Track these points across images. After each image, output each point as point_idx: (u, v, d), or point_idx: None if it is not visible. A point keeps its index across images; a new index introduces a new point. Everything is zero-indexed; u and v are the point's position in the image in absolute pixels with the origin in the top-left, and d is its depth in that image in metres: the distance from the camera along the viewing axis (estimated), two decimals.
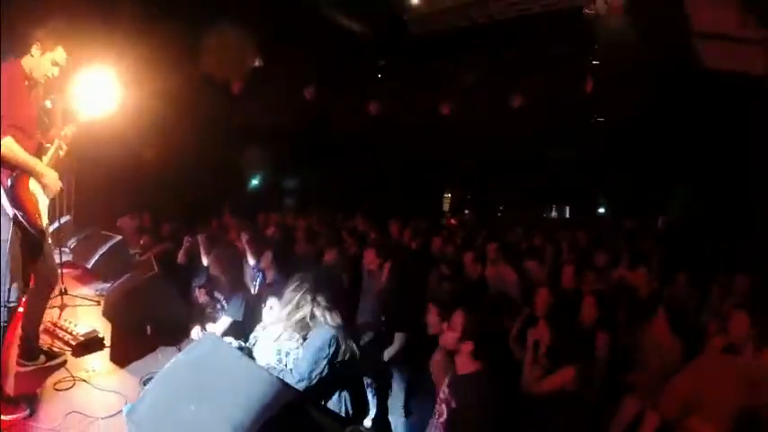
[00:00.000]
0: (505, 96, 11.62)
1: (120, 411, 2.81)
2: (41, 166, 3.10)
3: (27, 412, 2.86)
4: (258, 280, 5.16)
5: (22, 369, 3.28)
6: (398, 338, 5.20)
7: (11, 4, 4.45)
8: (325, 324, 3.32)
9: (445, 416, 2.92)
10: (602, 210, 23.85)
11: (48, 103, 5.25)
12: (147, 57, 7.03)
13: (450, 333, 2.95)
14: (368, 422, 4.54)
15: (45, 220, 3.21)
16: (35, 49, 3.10)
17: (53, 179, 3.16)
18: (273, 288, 4.26)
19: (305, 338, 3.40)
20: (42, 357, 3.42)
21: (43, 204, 3.15)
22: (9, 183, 2.91)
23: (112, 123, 4.91)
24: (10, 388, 3.05)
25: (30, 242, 3.10)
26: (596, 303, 4.98)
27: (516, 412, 3.81)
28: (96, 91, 4.32)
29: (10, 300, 2.94)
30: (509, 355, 4.17)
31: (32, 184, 3.05)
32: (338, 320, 3.34)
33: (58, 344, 3.83)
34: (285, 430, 1.74)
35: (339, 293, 3.65)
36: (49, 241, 3.39)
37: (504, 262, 6.09)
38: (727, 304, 5.45)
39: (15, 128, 2.91)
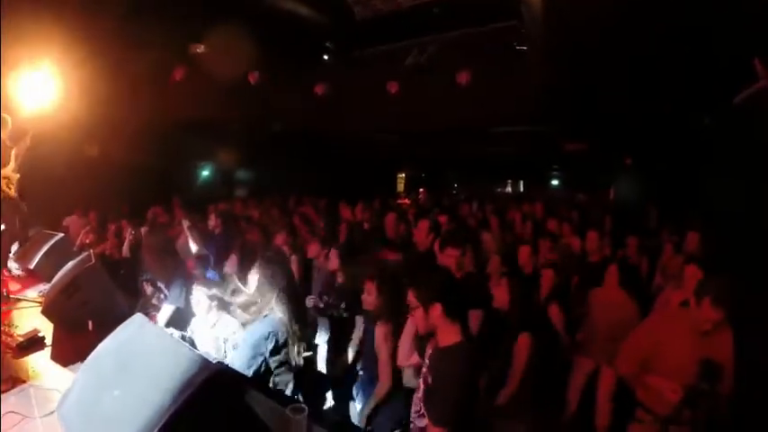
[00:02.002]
0: (453, 74, 11.61)
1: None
2: None
3: None
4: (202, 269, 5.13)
5: None
6: (359, 322, 5.21)
7: None
8: (276, 315, 3.32)
9: (422, 389, 2.89)
10: (555, 183, 24.41)
11: None
12: (83, 52, 6.80)
13: (414, 315, 2.84)
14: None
15: None
16: None
17: None
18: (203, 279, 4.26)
19: (243, 325, 3.40)
20: None
21: None
22: None
23: (52, 122, 4.78)
24: None
25: None
26: (553, 276, 5.14)
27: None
28: (33, 89, 4.19)
29: None
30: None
31: None
32: (289, 312, 3.35)
33: None
34: (209, 408, 1.72)
35: (292, 283, 3.65)
36: None
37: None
38: (676, 259, 5.64)
39: None
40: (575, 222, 7.86)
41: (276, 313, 3.34)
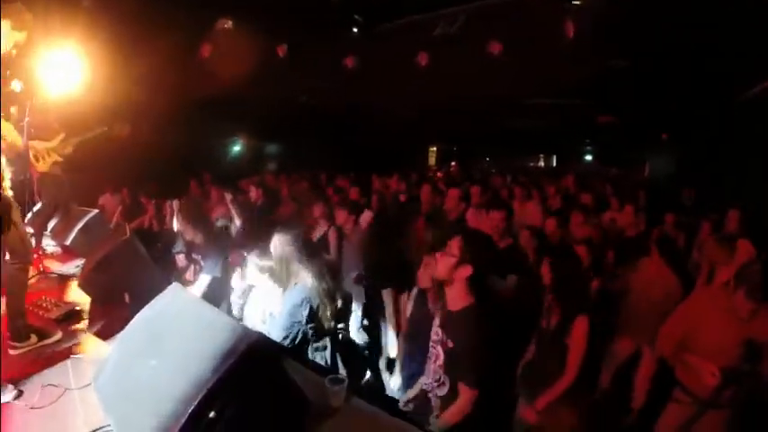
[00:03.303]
0: (484, 45, 11.32)
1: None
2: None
3: (14, 394, 2.74)
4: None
5: (13, 352, 3.15)
6: (387, 295, 5.15)
7: None
8: (305, 281, 3.29)
9: (443, 357, 2.84)
10: (588, 157, 23.97)
11: (15, 86, 5.10)
12: (110, 32, 6.79)
13: (446, 259, 2.78)
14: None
15: (8, 191, 3.07)
16: None
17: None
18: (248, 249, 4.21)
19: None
20: (33, 337, 3.29)
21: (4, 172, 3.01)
22: None
23: (83, 103, 4.78)
24: None
25: None
26: (588, 252, 4.91)
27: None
28: (64, 70, 4.18)
29: None
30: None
31: None
32: (315, 275, 3.31)
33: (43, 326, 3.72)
34: (251, 377, 1.66)
35: (311, 246, 3.62)
36: (16, 209, 3.24)
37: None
38: (710, 239, 5.39)
39: None
40: (613, 200, 7.58)
41: (305, 279, 3.32)
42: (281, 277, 3.47)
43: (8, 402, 2.65)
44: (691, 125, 12.30)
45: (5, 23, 2.92)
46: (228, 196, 5.96)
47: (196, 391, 1.55)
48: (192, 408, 1.54)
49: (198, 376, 1.58)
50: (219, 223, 5.57)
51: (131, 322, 2.18)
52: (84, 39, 4.98)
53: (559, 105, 14.20)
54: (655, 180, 14.42)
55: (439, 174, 15.78)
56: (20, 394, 2.72)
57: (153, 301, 2.19)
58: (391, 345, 5.15)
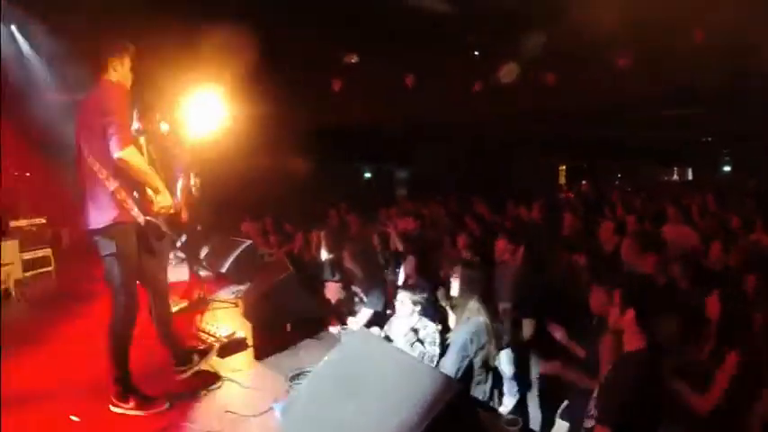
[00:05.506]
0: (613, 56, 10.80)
1: (271, 409, 2.86)
2: (158, 181, 3.10)
3: (166, 406, 2.96)
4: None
5: (181, 376, 3.33)
6: (528, 325, 4.95)
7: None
8: (478, 317, 3.30)
9: (597, 391, 2.77)
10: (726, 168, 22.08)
11: (163, 127, 5.61)
12: (243, 69, 7.26)
13: (613, 310, 2.76)
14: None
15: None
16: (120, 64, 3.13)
17: (165, 199, 3.12)
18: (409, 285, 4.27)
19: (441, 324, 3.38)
20: (195, 357, 3.45)
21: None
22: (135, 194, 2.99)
23: (223, 137, 5.16)
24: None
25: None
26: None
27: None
28: (206, 110, 4.53)
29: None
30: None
31: None
32: (488, 314, 3.32)
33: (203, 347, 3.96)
34: (451, 424, 1.62)
35: (490, 287, 3.61)
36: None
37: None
38: None
39: (133, 140, 2.99)
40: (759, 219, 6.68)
41: (477, 316, 3.32)
42: (457, 312, 3.54)
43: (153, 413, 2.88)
44: None
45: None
46: (392, 227, 6.16)
47: None
48: None
49: (404, 422, 1.56)
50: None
51: (323, 363, 2.23)
52: (220, 79, 5.40)
53: (695, 115, 13.26)
54: None
55: (570, 194, 15.18)
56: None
57: (340, 345, 2.24)
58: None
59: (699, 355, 3.38)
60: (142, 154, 3.10)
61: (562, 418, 3.30)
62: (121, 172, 2.87)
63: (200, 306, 4.93)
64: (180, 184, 4.61)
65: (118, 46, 3.11)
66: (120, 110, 2.93)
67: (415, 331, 3.84)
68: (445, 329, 3.95)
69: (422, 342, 3.78)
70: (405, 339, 3.88)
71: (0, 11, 6.31)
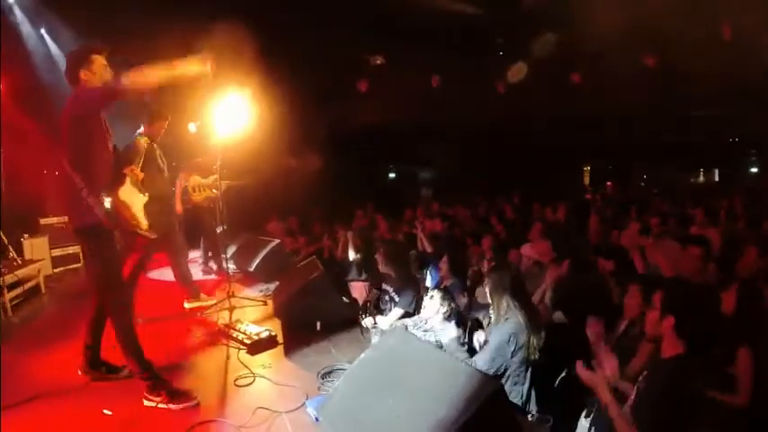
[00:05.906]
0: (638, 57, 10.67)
1: (302, 405, 2.92)
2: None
3: (195, 402, 3.05)
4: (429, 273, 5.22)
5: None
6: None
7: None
8: (515, 318, 3.31)
9: (632, 399, 2.68)
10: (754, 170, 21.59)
11: (192, 127, 5.72)
12: (270, 70, 7.35)
13: (652, 314, 2.71)
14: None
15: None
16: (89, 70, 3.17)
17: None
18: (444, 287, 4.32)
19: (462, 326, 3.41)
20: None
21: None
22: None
23: (248, 138, 5.24)
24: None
25: None
26: None
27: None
28: (234, 111, 4.62)
29: None
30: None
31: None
32: (523, 314, 3.34)
33: (234, 344, 4.04)
34: (488, 422, 1.66)
35: (520, 286, 3.63)
36: None
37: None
38: None
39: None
40: None
41: (513, 316, 3.33)
42: (494, 312, 3.53)
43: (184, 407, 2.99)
44: None
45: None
46: (420, 227, 6.25)
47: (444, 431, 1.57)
48: None
49: (442, 418, 1.61)
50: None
51: (359, 360, 2.29)
52: (247, 80, 5.48)
53: (722, 116, 13.02)
54: None
55: (595, 195, 15.00)
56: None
57: (377, 343, 2.29)
58: None
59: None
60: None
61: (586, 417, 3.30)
62: (93, 177, 3.00)
63: (227, 304, 5.00)
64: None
65: (82, 52, 3.15)
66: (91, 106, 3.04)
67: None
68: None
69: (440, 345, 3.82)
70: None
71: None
